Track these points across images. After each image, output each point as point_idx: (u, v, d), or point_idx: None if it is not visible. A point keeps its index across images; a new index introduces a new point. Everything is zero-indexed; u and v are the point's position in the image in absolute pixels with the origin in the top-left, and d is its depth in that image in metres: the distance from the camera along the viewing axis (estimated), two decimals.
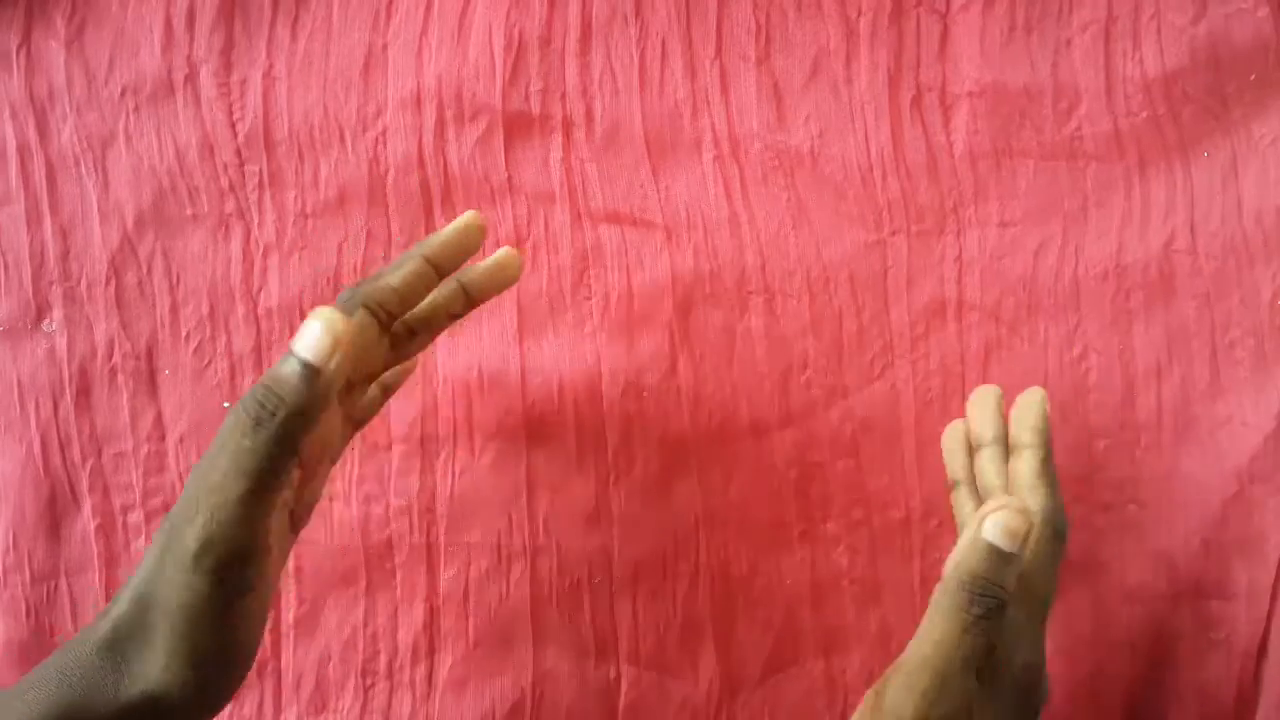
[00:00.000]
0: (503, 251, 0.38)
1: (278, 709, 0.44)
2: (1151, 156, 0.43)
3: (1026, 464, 0.36)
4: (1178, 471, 0.42)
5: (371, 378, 0.37)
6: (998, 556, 0.31)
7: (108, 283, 0.45)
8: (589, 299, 0.44)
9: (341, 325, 0.30)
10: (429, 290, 0.36)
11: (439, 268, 0.36)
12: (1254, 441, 0.42)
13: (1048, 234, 0.43)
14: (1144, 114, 0.43)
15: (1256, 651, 0.41)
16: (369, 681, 0.44)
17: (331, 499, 0.44)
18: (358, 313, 0.35)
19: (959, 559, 0.32)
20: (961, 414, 0.43)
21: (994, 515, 0.32)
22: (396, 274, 0.35)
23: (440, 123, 0.44)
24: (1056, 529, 0.35)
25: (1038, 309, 0.43)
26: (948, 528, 0.43)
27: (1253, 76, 0.42)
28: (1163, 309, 0.43)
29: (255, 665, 0.44)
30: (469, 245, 0.37)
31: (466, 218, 0.36)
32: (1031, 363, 0.43)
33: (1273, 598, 0.41)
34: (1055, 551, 0.35)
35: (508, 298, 0.44)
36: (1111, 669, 0.42)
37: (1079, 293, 0.43)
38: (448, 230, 0.36)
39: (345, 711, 0.44)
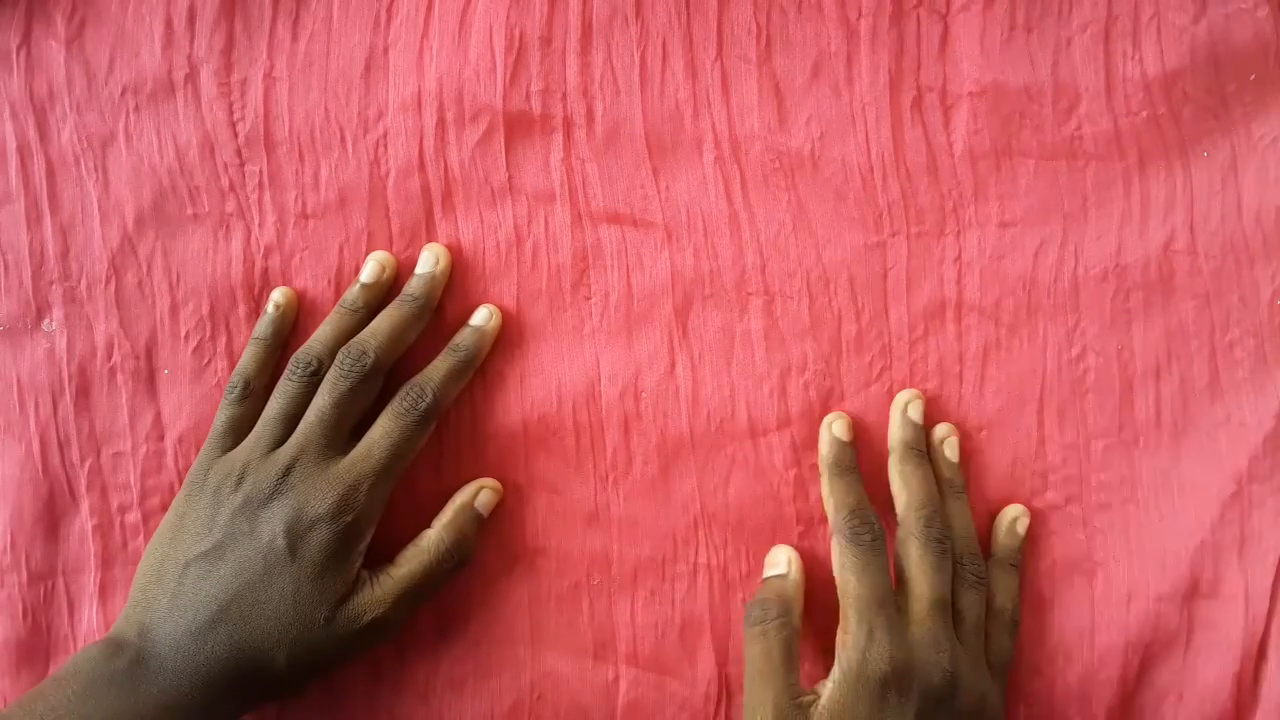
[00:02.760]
0: (493, 324, 0.44)
1: (281, 709, 0.44)
2: (1151, 156, 0.43)
3: (823, 488, 0.43)
4: (1176, 472, 0.42)
5: None
6: (761, 586, 0.42)
7: (108, 282, 0.45)
8: (589, 299, 0.44)
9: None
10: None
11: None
12: (1253, 442, 0.42)
13: (1047, 234, 0.43)
14: (1144, 114, 0.43)
15: (1256, 652, 0.41)
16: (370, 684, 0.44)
17: None
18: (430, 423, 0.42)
19: None
20: (959, 416, 0.43)
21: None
22: (458, 390, 0.43)
23: (441, 124, 0.44)
24: (857, 529, 0.40)
25: (1037, 309, 0.43)
26: None
27: (1253, 76, 0.42)
28: (1162, 309, 0.43)
29: None
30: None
31: (495, 328, 0.44)
32: (1030, 363, 0.43)
33: (1272, 598, 0.41)
34: (863, 550, 0.40)
35: (507, 297, 0.44)
36: (1110, 669, 0.42)
37: (1078, 293, 0.43)
38: (487, 345, 0.44)
39: (346, 712, 0.44)
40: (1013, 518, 0.42)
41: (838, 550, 0.40)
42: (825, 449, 0.42)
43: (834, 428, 0.42)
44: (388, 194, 0.45)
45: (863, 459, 0.43)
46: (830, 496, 0.42)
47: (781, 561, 0.42)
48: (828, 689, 0.38)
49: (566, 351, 0.44)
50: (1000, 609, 0.41)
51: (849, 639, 0.38)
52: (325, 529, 0.39)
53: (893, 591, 0.39)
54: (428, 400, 0.41)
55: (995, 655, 0.41)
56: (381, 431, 0.41)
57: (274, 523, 0.39)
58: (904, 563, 0.40)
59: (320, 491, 0.39)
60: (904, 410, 0.42)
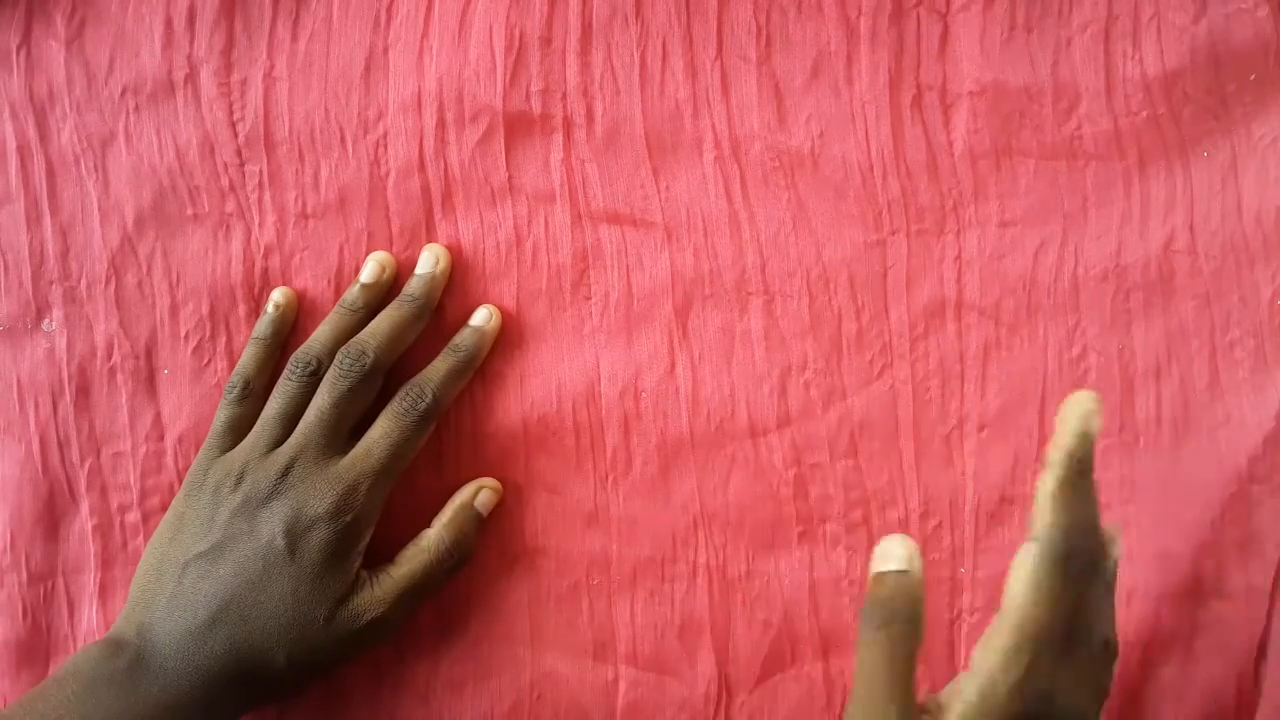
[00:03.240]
0: (492, 324, 0.44)
1: (282, 709, 0.44)
2: (1151, 156, 0.43)
3: (1042, 484, 0.34)
4: (1176, 471, 0.42)
5: None
6: (875, 582, 0.35)
7: (107, 282, 0.45)
8: (589, 299, 0.44)
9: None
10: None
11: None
12: (1253, 441, 0.42)
13: (1047, 234, 0.43)
14: (1144, 114, 0.43)
15: (1256, 651, 0.41)
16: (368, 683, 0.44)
17: None
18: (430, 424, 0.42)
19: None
20: (960, 415, 0.43)
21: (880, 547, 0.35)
22: (458, 391, 0.43)
23: (441, 125, 0.44)
24: (1070, 552, 0.33)
25: (1037, 309, 0.43)
26: (946, 528, 0.43)
27: (1253, 76, 0.42)
28: (1162, 309, 0.43)
29: None
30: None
31: (494, 329, 0.44)
32: (1030, 363, 0.43)
33: (1272, 598, 0.41)
34: (1065, 576, 0.34)
35: (507, 297, 0.44)
36: None
37: (1078, 293, 0.43)
38: (486, 347, 0.44)
39: (346, 712, 0.44)
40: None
41: (1031, 563, 0.34)
42: (1071, 441, 0.34)
43: (1090, 422, 0.34)
44: (388, 194, 0.45)
45: (867, 458, 0.43)
46: (1054, 500, 0.34)
47: (900, 555, 0.35)
48: (958, 709, 0.33)
49: (566, 351, 0.44)
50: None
51: (1001, 661, 0.33)
52: (324, 529, 0.39)
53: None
54: (427, 400, 0.41)
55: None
56: (381, 432, 0.41)
57: (273, 522, 0.39)
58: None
59: (319, 491, 0.39)
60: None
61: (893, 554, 0.35)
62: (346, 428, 0.41)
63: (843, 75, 0.44)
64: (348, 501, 0.39)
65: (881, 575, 0.35)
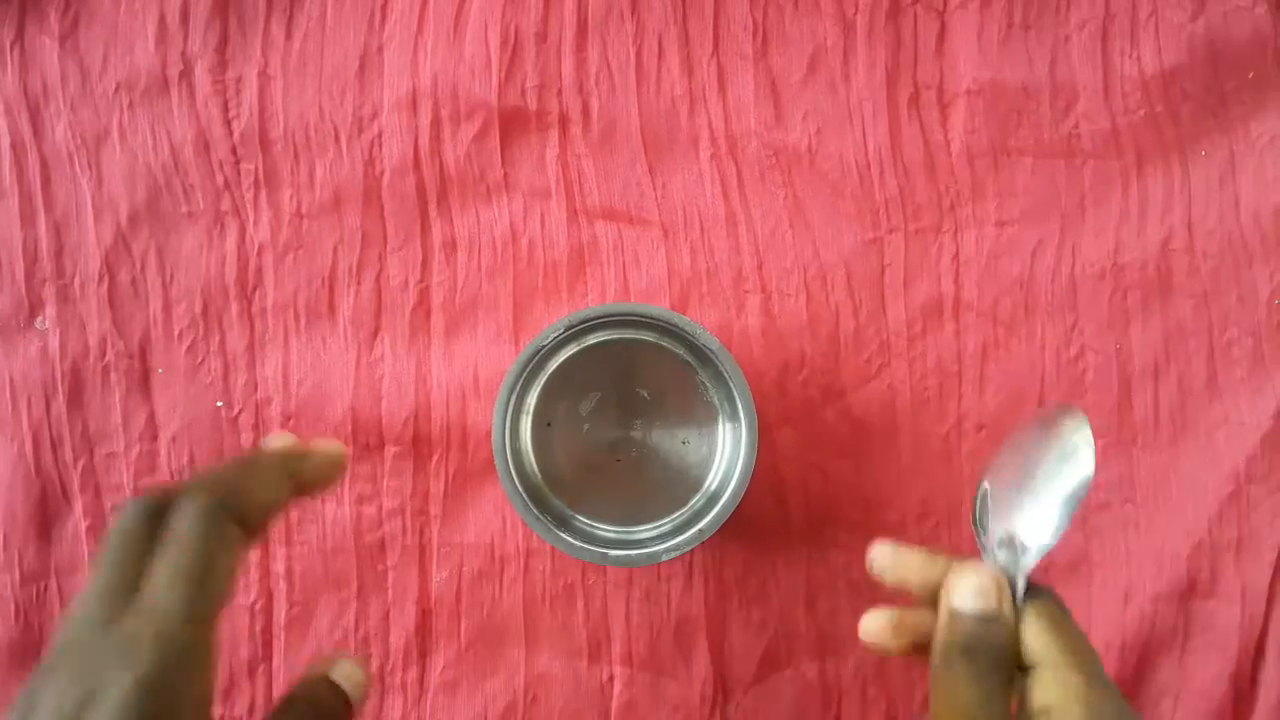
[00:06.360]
0: (335, 448, 0.33)
1: (270, 710, 0.44)
2: (1149, 155, 0.43)
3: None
4: (1174, 471, 0.42)
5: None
6: (975, 621, 0.30)
7: (101, 280, 0.45)
8: (585, 296, 0.44)
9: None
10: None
11: (296, 485, 0.32)
12: (1251, 441, 0.41)
13: (1045, 233, 0.43)
14: (1142, 112, 0.42)
15: (1254, 652, 0.41)
16: None
17: (323, 499, 0.44)
18: (237, 540, 0.29)
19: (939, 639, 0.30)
20: (958, 414, 0.43)
21: (960, 581, 0.30)
22: (266, 492, 0.30)
23: (436, 122, 0.44)
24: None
25: (1035, 308, 0.43)
26: (944, 527, 0.43)
27: (1250, 74, 0.42)
28: (1160, 308, 0.42)
29: (246, 666, 0.44)
30: (330, 477, 0.33)
31: (335, 452, 0.33)
32: (1028, 362, 0.43)
33: (1269, 598, 0.41)
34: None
35: (504, 296, 0.44)
36: (1107, 669, 0.42)
37: (1076, 292, 0.43)
38: (319, 458, 0.32)
39: None
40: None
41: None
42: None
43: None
44: (383, 193, 0.44)
45: (865, 458, 0.43)
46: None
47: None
48: None
49: None
50: None
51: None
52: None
53: None
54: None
55: None
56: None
57: None
58: None
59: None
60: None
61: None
62: None
63: (840, 72, 0.44)
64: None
65: (963, 615, 0.31)
